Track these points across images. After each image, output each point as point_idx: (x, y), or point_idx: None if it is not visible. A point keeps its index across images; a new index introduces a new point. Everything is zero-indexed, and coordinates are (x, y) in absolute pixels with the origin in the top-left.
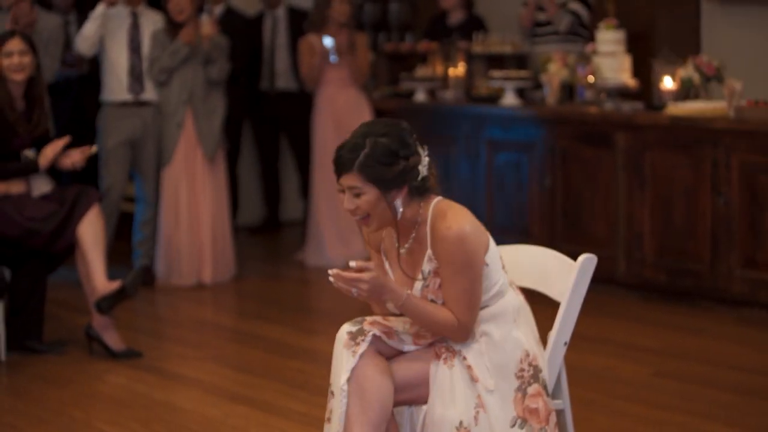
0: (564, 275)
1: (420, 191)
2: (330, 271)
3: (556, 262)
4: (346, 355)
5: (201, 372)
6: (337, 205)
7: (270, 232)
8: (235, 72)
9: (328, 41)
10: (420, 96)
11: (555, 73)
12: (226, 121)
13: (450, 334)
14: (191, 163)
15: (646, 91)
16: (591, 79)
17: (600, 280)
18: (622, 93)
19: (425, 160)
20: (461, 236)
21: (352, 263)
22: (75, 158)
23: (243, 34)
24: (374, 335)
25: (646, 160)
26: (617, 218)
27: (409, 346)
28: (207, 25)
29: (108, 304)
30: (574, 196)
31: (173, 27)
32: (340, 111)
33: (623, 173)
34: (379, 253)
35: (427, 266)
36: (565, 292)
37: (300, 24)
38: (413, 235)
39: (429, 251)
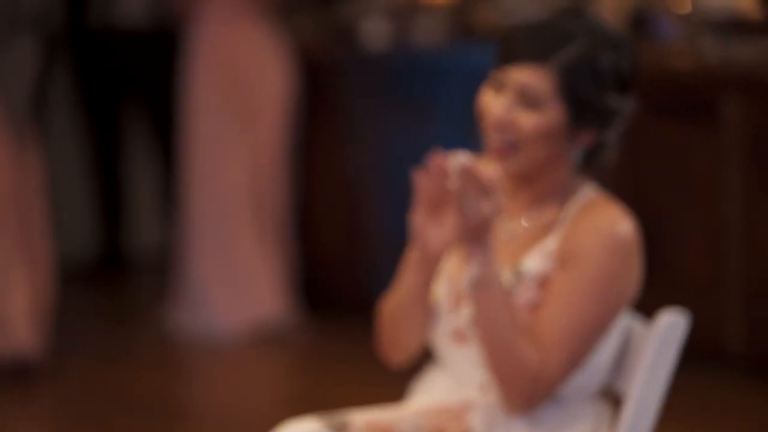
0: (634, 344)
1: (596, 158)
2: (459, 158)
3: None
4: None
5: None
6: (227, 222)
7: (108, 274)
8: None
9: None
10: (374, 32)
11: None
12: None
13: (516, 381)
14: None
15: None
16: (679, 0)
17: (697, 355)
18: (736, 25)
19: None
20: (627, 241)
21: (466, 159)
22: None
23: None
24: None
25: None
26: (727, 245)
27: None
28: None
29: None
30: (651, 204)
31: None
32: (231, 63)
33: (737, 168)
34: None
35: (535, 262)
36: (637, 373)
37: None
38: (539, 210)
39: (552, 241)
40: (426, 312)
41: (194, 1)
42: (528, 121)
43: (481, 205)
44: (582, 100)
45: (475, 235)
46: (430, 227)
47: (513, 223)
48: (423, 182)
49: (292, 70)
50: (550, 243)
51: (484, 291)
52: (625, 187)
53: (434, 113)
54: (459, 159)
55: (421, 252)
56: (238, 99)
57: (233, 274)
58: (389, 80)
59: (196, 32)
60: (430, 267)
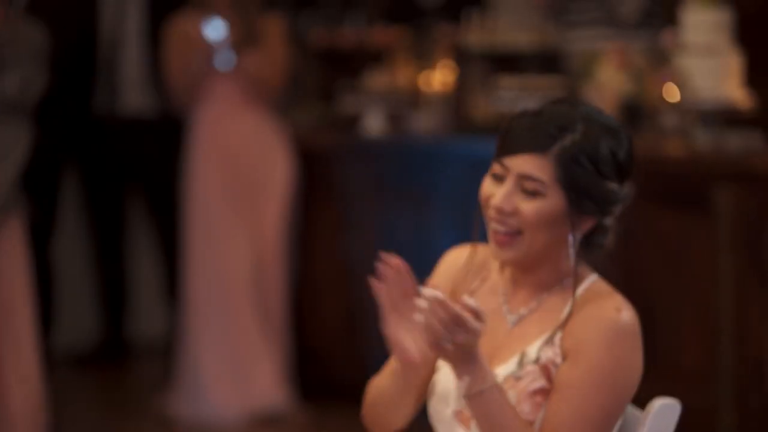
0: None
1: (596, 246)
2: (429, 292)
3: None
4: None
5: None
6: (228, 310)
7: (109, 362)
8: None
9: (215, 28)
10: (373, 122)
11: (609, 82)
12: (35, 169)
13: None
14: None
15: None
16: (672, 93)
17: None
18: (727, 117)
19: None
20: (629, 331)
21: (434, 293)
22: None
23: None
24: None
25: None
26: (719, 334)
27: None
28: None
29: None
30: (645, 292)
31: None
32: (233, 149)
33: (730, 257)
34: None
35: (539, 350)
36: None
37: (164, 3)
38: (541, 297)
39: (559, 333)
40: (415, 400)
41: (196, 90)
42: (529, 208)
43: (457, 336)
44: (581, 188)
45: (459, 359)
46: (403, 333)
47: (516, 312)
48: (383, 290)
49: (293, 158)
50: (555, 333)
51: (481, 397)
52: (618, 276)
53: (432, 201)
54: (428, 294)
55: (401, 362)
56: (239, 186)
57: (234, 363)
58: (388, 168)
59: (199, 120)
60: (415, 373)
